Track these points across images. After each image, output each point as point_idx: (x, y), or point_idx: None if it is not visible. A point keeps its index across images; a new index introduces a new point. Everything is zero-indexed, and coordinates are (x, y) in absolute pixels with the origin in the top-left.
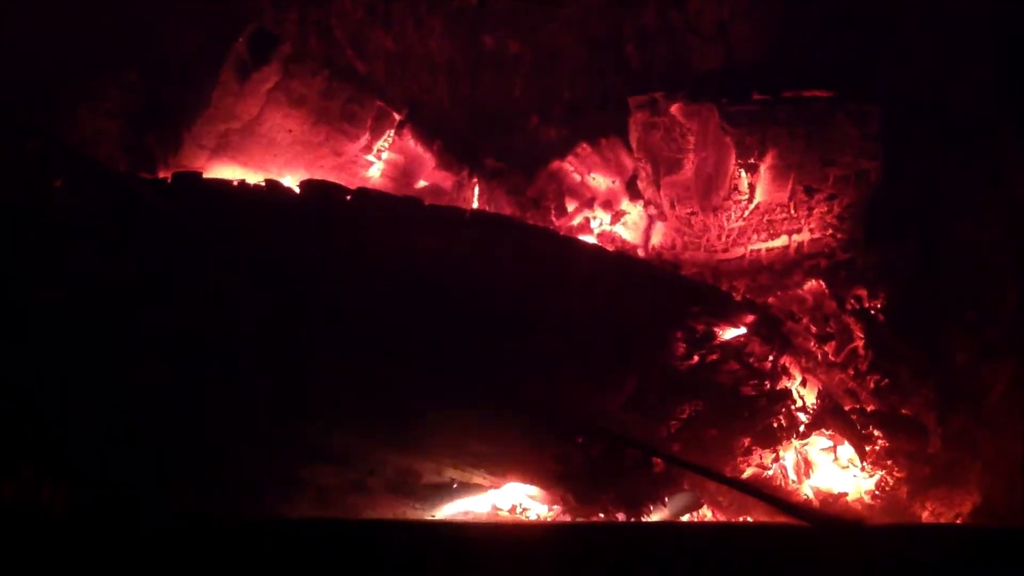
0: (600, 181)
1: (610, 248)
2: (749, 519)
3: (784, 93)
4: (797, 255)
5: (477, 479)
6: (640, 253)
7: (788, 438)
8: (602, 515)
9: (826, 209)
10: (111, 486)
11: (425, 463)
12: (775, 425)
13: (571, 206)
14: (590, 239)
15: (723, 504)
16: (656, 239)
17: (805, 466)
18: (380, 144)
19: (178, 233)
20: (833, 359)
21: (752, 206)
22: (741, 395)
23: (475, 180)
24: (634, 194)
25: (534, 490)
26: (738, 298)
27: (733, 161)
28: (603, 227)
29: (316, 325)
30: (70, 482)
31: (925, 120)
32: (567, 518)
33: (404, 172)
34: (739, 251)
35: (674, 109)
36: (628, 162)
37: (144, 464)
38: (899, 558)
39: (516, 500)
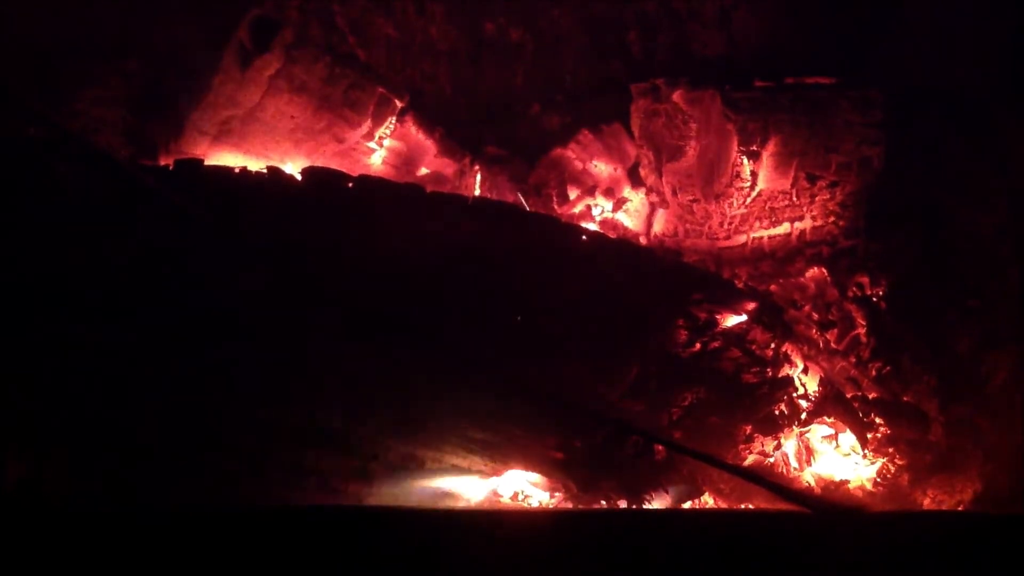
0: (602, 168)
1: (612, 235)
2: (751, 506)
3: (786, 79)
4: (799, 242)
5: (479, 466)
6: (642, 240)
7: (790, 425)
8: (604, 502)
9: (828, 196)
10: (112, 475)
11: (427, 450)
12: (777, 412)
13: (573, 193)
14: (592, 226)
15: (724, 491)
16: (658, 226)
17: (807, 453)
18: (382, 131)
19: (179, 220)
20: (835, 346)
21: (754, 193)
22: (743, 382)
23: (477, 167)
24: (636, 181)
25: (536, 477)
26: (740, 285)
27: (735, 148)
28: (605, 214)
29: (317, 311)
30: (71, 471)
31: (927, 106)
32: (569, 505)
33: (406, 159)
34: (741, 238)
35: (676, 96)
36: (630, 149)
37: (145, 452)
38: (900, 545)
39: (517, 487)
